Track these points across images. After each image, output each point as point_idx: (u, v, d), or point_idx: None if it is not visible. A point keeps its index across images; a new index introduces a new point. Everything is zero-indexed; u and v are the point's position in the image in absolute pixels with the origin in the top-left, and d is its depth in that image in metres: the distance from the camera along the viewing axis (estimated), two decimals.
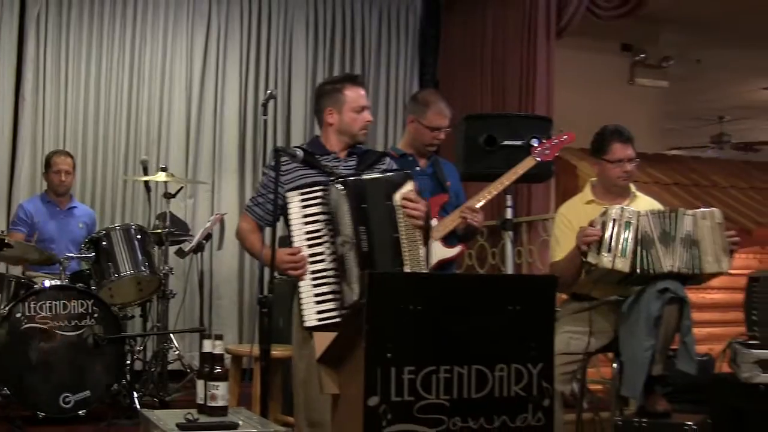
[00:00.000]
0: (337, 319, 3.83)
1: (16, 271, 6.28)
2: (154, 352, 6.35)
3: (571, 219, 4.79)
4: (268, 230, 4.15)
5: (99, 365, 5.48)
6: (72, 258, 5.84)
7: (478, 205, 4.77)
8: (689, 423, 4.31)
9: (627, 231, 4.38)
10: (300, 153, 4.03)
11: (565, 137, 5.20)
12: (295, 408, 4.13)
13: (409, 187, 3.96)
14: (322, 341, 3.17)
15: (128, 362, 5.81)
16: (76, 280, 5.86)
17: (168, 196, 6.44)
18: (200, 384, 3.69)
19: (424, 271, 3.93)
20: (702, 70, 10.62)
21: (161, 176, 6.50)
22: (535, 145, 5.15)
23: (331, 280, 3.90)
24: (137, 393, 5.68)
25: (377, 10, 8.53)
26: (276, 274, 4.02)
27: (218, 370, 3.66)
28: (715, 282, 6.96)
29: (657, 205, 4.72)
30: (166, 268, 6.27)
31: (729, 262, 4.45)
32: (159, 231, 6.21)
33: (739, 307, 4.99)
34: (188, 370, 6.60)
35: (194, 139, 7.93)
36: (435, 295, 2.95)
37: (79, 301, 5.47)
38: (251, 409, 4.34)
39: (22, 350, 5.35)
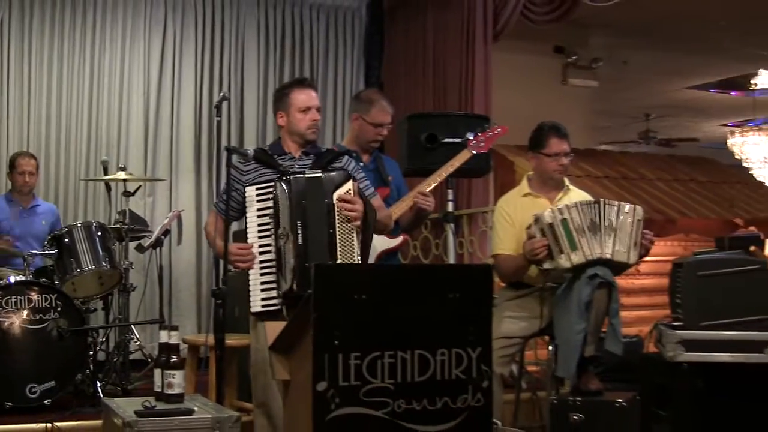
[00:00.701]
0: (277, 307, 3.88)
1: None
2: (116, 343, 6.27)
3: (509, 212, 4.82)
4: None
5: (63, 356, 5.39)
6: (36, 254, 5.77)
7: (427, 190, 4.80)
8: (619, 400, 4.35)
9: (566, 227, 4.41)
10: (250, 152, 4.11)
11: (498, 130, 5.23)
12: (253, 392, 4.14)
13: (348, 186, 3.98)
14: (274, 330, 3.17)
15: (91, 353, 5.73)
16: (40, 276, 5.77)
17: (127, 194, 6.37)
18: (157, 373, 3.67)
19: None
20: (629, 71, 10.71)
21: (121, 175, 6.43)
22: (471, 138, 5.16)
23: (274, 269, 3.93)
24: (100, 382, 5.61)
25: (325, 17, 8.50)
26: (230, 267, 4.02)
27: (174, 359, 3.64)
28: (643, 267, 7.10)
29: (588, 198, 4.75)
30: (127, 262, 6.20)
31: (637, 256, 4.49)
32: (119, 227, 6.14)
33: (666, 292, 5.04)
34: (149, 360, 6.53)
35: (152, 140, 7.85)
36: (379, 284, 2.95)
37: (43, 295, 5.37)
38: (207, 395, 4.31)
39: None
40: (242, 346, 4.81)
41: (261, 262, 3.96)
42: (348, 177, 4.02)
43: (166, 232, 6.53)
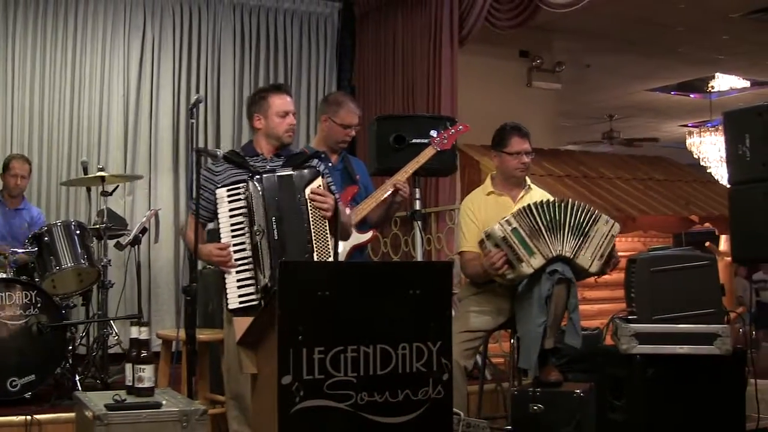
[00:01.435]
0: (255, 302, 3.88)
1: None
2: (95, 337, 6.23)
3: (473, 210, 4.84)
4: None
5: (43, 351, 5.35)
6: (16, 252, 5.72)
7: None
8: (577, 390, 4.38)
9: (518, 236, 4.41)
10: (220, 152, 4.12)
11: (460, 128, 5.25)
12: (226, 384, 4.14)
13: (318, 182, 4.01)
14: (242, 325, 3.16)
15: (70, 348, 5.70)
16: (21, 273, 5.73)
17: (105, 194, 6.32)
18: (128, 367, 3.66)
19: (331, 260, 3.96)
20: (592, 74, 10.74)
21: (100, 174, 6.38)
22: (435, 136, 5.17)
23: (250, 266, 3.93)
24: (80, 376, 5.58)
25: (299, 22, 8.49)
26: (207, 264, 4.03)
27: (144, 354, 3.63)
28: None
29: (549, 197, 4.76)
30: (105, 260, 6.16)
31: (599, 268, 4.49)
32: (98, 226, 6.11)
33: None
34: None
35: (131, 141, 7.82)
36: (342, 281, 2.96)
37: (24, 292, 5.34)
38: (180, 389, 4.29)
39: None
40: (215, 340, 4.79)
41: (236, 260, 3.96)
42: (318, 173, 4.05)
43: (144, 230, 6.49)
